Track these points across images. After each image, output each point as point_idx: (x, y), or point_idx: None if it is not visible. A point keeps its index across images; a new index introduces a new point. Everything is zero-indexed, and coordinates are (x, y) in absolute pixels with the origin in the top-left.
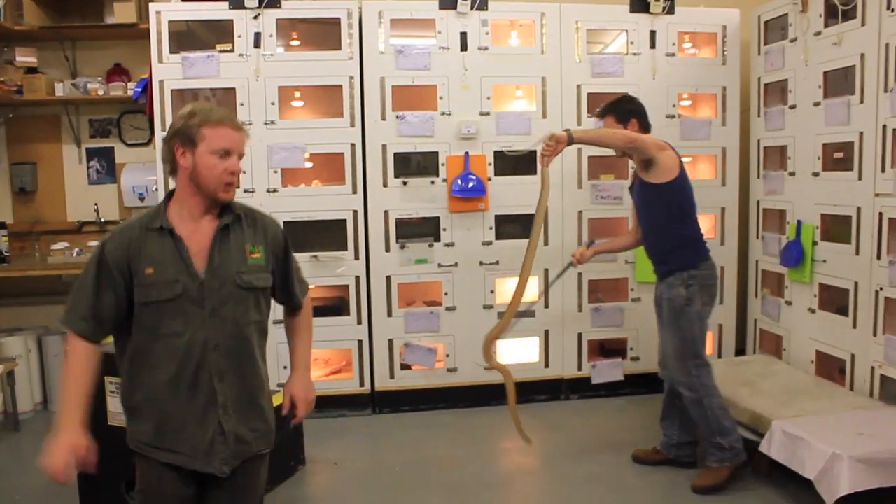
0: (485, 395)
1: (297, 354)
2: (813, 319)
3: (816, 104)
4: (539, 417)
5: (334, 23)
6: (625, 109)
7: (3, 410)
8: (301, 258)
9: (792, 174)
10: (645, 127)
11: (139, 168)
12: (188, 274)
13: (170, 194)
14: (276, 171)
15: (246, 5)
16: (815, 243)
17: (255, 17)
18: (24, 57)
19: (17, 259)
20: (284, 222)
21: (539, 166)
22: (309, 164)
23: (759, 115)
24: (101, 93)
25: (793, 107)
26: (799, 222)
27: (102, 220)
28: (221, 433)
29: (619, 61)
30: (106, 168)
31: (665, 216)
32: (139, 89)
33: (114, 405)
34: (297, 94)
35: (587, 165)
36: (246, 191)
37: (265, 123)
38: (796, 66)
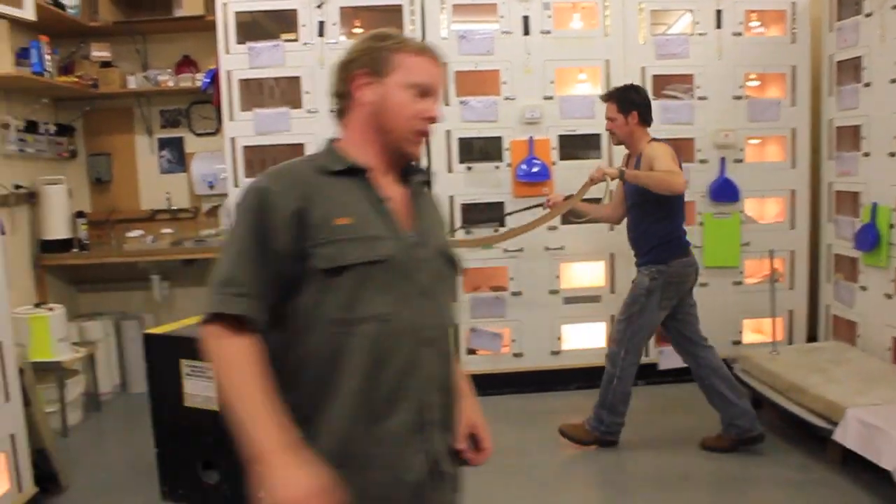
0: (552, 380)
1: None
2: (890, 305)
3: (893, 81)
4: None
5: (396, 10)
6: (628, 100)
7: (85, 391)
8: None
9: (866, 155)
10: (645, 121)
11: (208, 157)
12: (393, 232)
13: (329, 143)
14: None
15: None
16: (891, 226)
17: (319, 6)
18: (99, 52)
19: (95, 246)
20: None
21: (582, 186)
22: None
23: (830, 95)
24: (170, 84)
25: (867, 85)
26: (874, 205)
27: (174, 207)
28: (435, 471)
29: (685, 42)
30: (176, 157)
31: (655, 216)
32: (207, 80)
33: (190, 387)
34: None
35: None
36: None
37: (331, 111)
38: (871, 42)
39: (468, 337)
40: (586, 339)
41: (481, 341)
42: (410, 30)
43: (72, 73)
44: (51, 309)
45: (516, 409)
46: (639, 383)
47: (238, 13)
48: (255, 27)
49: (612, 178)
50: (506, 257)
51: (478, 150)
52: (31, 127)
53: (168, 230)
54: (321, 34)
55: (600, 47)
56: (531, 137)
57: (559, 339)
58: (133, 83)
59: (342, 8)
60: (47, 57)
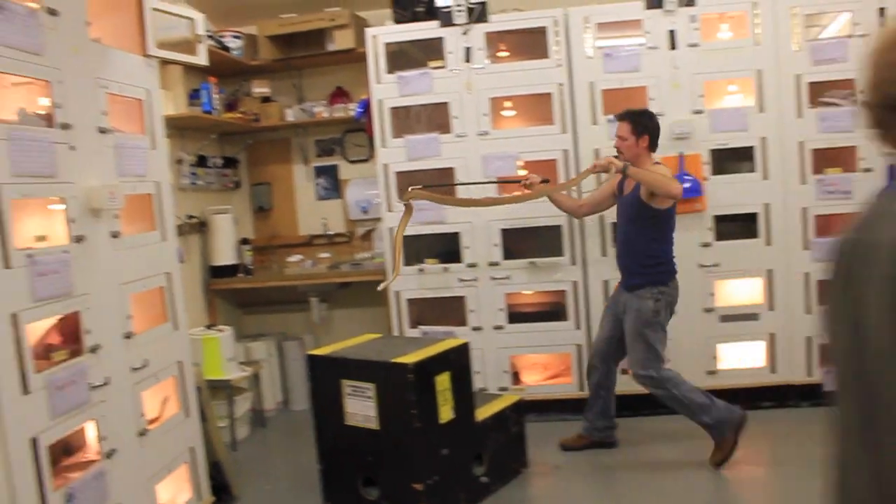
0: None
1: None
2: None
3: None
4: (764, 426)
5: (540, 31)
6: (643, 123)
7: (251, 408)
8: (517, 264)
9: None
10: (653, 147)
11: (362, 183)
12: None
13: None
14: (493, 181)
15: (455, 22)
16: None
17: (465, 33)
18: (260, 88)
19: (258, 271)
20: (501, 230)
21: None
22: (523, 172)
23: None
24: (325, 115)
25: None
26: None
27: (330, 232)
28: None
29: (843, 45)
30: (331, 184)
31: (649, 236)
32: (360, 109)
33: (350, 406)
34: (508, 104)
35: (811, 159)
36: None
37: (478, 135)
38: None
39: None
40: (745, 358)
41: None
42: (555, 50)
43: (236, 109)
44: (220, 330)
45: (672, 431)
46: (801, 405)
47: (387, 44)
48: (404, 56)
49: (617, 171)
50: None
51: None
52: (201, 161)
53: (325, 254)
54: (467, 60)
55: (751, 57)
56: (681, 153)
57: (715, 358)
58: (291, 116)
59: (487, 33)
60: (215, 96)
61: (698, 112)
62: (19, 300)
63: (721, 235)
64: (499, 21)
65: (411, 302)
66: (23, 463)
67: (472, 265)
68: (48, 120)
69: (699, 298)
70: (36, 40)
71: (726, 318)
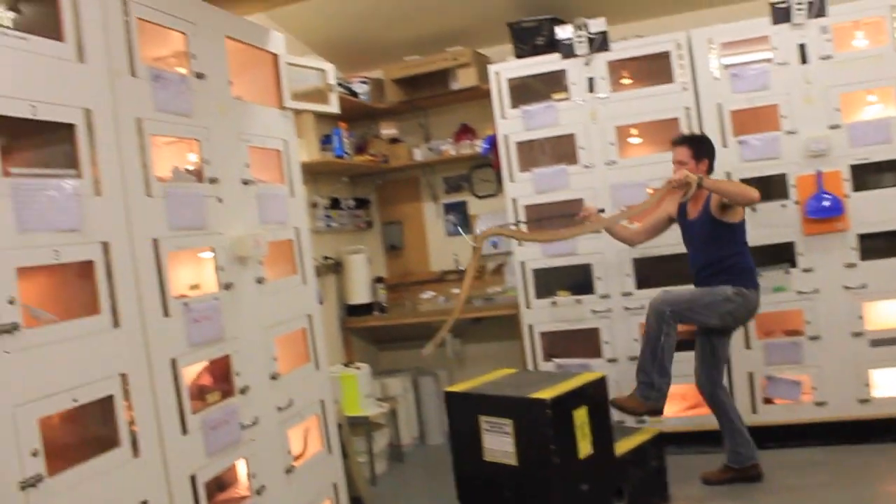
0: (862, 431)
1: None
2: None
3: None
4: None
5: (664, 56)
6: (704, 148)
7: (388, 443)
8: (651, 294)
9: None
10: (711, 171)
11: (491, 218)
12: None
13: None
14: (621, 210)
15: (576, 53)
16: None
17: (587, 64)
18: (387, 130)
19: (392, 308)
20: (633, 259)
21: (658, 190)
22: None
23: None
24: (452, 153)
25: None
26: None
27: (461, 268)
28: None
29: None
30: (461, 220)
31: (727, 248)
32: (487, 145)
33: (489, 442)
34: (634, 132)
35: None
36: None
37: (606, 164)
38: None
39: (764, 385)
40: None
41: (778, 390)
42: (679, 74)
43: (365, 151)
44: (358, 368)
45: (821, 463)
46: None
47: (510, 79)
48: (527, 90)
49: (693, 185)
50: (800, 299)
51: (762, 189)
52: (334, 203)
53: (457, 290)
54: (591, 90)
55: (891, 64)
56: (819, 171)
57: (868, 385)
58: (418, 155)
59: (609, 62)
60: (346, 140)
61: (835, 127)
62: (177, 346)
63: (867, 254)
64: (620, 49)
65: (544, 335)
66: (184, 500)
67: (604, 296)
68: (198, 175)
69: (847, 322)
70: (187, 103)
71: (878, 343)
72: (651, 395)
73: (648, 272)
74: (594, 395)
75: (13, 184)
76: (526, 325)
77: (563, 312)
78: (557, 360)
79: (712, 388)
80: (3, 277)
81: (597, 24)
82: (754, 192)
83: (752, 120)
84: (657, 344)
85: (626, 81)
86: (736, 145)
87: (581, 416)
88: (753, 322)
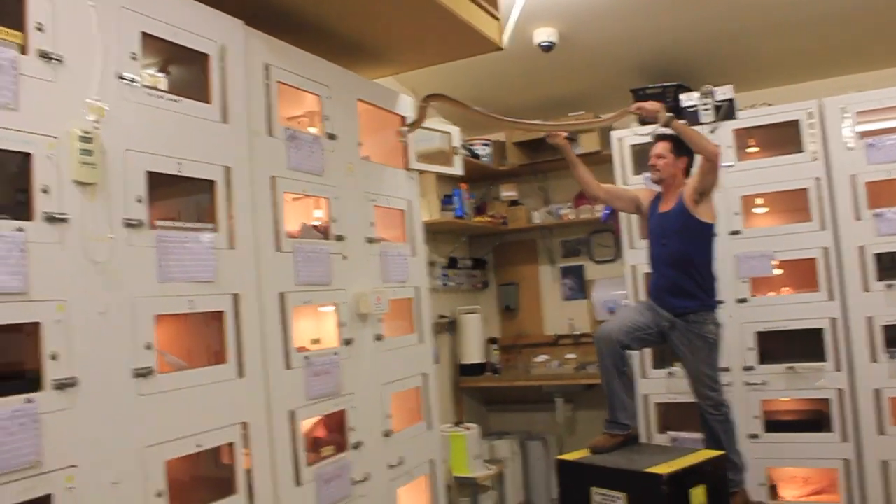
0: None
1: None
2: None
3: None
4: None
5: (792, 124)
6: (685, 147)
7: None
8: (774, 369)
9: None
10: (688, 172)
11: (608, 283)
12: None
13: None
14: (744, 281)
15: (701, 121)
16: None
17: (712, 132)
18: (507, 192)
19: (505, 370)
20: (756, 332)
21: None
22: (778, 272)
23: None
24: (571, 217)
25: None
26: None
27: (576, 332)
28: None
29: None
30: (577, 285)
31: (704, 254)
32: (607, 211)
33: None
34: (760, 201)
35: None
36: (721, 301)
37: (730, 233)
38: None
39: None
40: None
41: None
42: (810, 143)
43: (484, 212)
44: (467, 428)
45: None
46: None
47: (633, 145)
48: (647, 156)
49: (662, 122)
50: None
51: None
52: (452, 263)
53: (571, 355)
54: None
55: None
56: None
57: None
58: (537, 218)
59: (735, 130)
60: (466, 201)
61: None
62: (296, 398)
63: None
64: (748, 117)
65: (659, 406)
66: None
67: (724, 369)
68: (324, 232)
69: None
70: (318, 162)
71: None
72: (740, 478)
73: (772, 346)
74: (713, 474)
75: (158, 236)
76: (641, 395)
77: (680, 384)
78: (672, 433)
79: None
80: (142, 324)
81: (723, 92)
82: (715, 146)
83: (889, 192)
84: (732, 431)
85: (752, 150)
86: (871, 218)
87: (698, 495)
88: (888, 407)
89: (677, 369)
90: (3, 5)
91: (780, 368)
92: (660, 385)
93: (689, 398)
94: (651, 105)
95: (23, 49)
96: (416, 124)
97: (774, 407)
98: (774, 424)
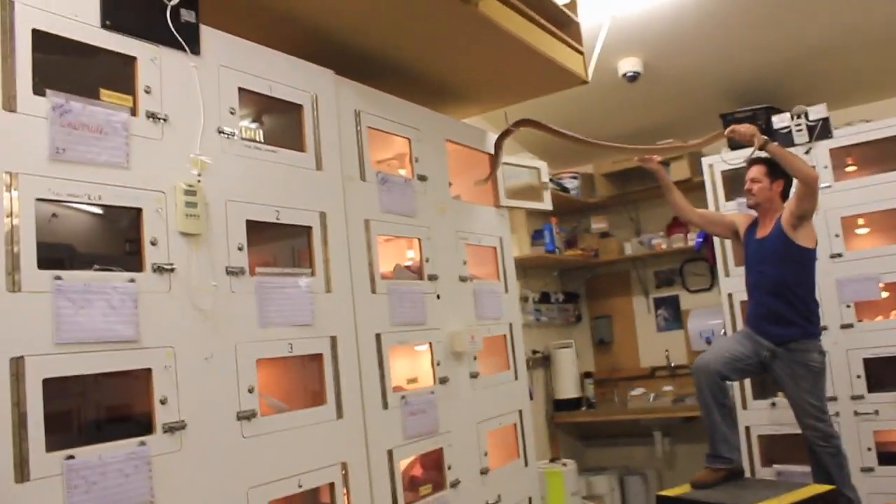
0: None
1: None
2: None
3: None
4: None
5: (893, 140)
6: (780, 169)
7: None
8: (886, 398)
9: None
10: (786, 195)
11: (703, 312)
12: None
13: None
14: (848, 306)
15: (795, 142)
16: None
17: (807, 152)
18: (598, 224)
19: (601, 404)
20: (864, 359)
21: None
22: (884, 294)
23: None
24: (663, 246)
25: None
26: None
27: (672, 364)
28: None
29: None
30: (672, 315)
31: (804, 280)
32: (700, 239)
33: None
34: (862, 222)
35: None
36: (825, 327)
37: (830, 257)
38: None
39: None
40: None
41: None
42: None
43: (575, 246)
44: (564, 464)
45: None
46: None
47: (724, 171)
48: (741, 181)
49: (758, 146)
50: None
51: None
52: (544, 297)
53: (668, 387)
54: None
55: None
56: None
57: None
58: (629, 249)
59: (831, 150)
60: (556, 235)
61: None
62: (393, 438)
63: None
64: (845, 135)
65: (762, 438)
66: None
67: (831, 398)
68: (417, 271)
69: None
70: (410, 204)
71: None
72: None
73: (882, 373)
74: None
75: (258, 282)
76: (743, 426)
77: (785, 414)
78: (778, 467)
79: None
80: (245, 368)
81: (817, 111)
82: (814, 171)
83: None
84: (841, 465)
85: (850, 169)
86: None
87: None
88: None
89: (780, 399)
90: (116, 71)
91: (892, 396)
92: (762, 416)
93: (795, 429)
94: (745, 128)
95: (133, 111)
96: (490, 176)
97: (889, 438)
98: (889, 456)
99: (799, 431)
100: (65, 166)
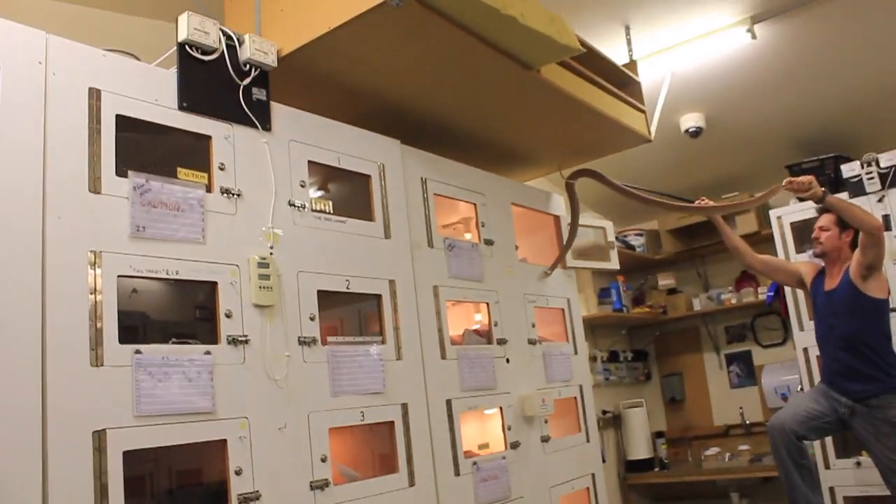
0: None
1: None
2: None
3: None
4: None
5: None
6: None
7: None
8: None
9: None
10: (855, 245)
11: (778, 368)
12: None
13: None
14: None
15: (867, 191)
16: None
17: (880, 200)
18: (665, 280)
19: (674, 464)
20: None
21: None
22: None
23: None
24: (733, 301)
25: None
26: None
27: (748, 422)
28: None
29: None
30: (745, 371)
31: (878, 332)
32: (770, 292)
33: None
34: None
35: None
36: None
37: None
38: None
39: None
40: None
41: None
42: None
43: (642, 303)
44: None
45: None
46: None
47: (792, 223)
48: (811, 232)
49: (814, 197)
50: None
51: None
52: (613, 356)
53: (744, 446)
54: (888, 228)
55: None
56: None
57: None
58: (697, 304)
59: None
60: (623, 293)
61: None
62: None
63: None
64: None
65: (848, 500)
66: None
67: None
68: (486, 335)
69: None
70: (477, 269)
71: None
72: None
73: None
74: None
75: (329, 351)
76: (826, 487)
77: (871, 474)
78: None
79: None
80: (317, 437)
81: (889, 158)
82: (877, 220)
83: None
84: None
85: None
86: None
87: None
88: None
89: (866, 458)
90: (192, 150)
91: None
92: (847, 476)
93: (883, 490)
94: (801, 180)
95: (208, 187)
96: (558, 261)
97: None
98: None
99: (888, 493)
100: (145, 243)
